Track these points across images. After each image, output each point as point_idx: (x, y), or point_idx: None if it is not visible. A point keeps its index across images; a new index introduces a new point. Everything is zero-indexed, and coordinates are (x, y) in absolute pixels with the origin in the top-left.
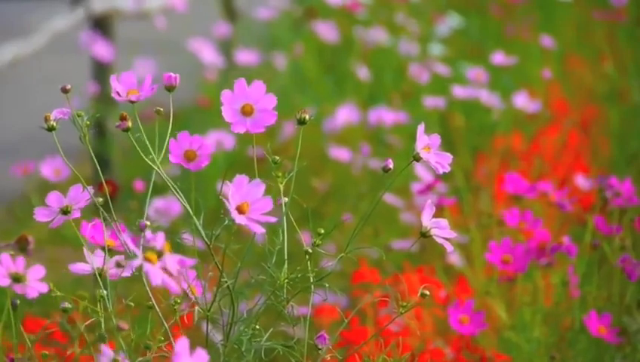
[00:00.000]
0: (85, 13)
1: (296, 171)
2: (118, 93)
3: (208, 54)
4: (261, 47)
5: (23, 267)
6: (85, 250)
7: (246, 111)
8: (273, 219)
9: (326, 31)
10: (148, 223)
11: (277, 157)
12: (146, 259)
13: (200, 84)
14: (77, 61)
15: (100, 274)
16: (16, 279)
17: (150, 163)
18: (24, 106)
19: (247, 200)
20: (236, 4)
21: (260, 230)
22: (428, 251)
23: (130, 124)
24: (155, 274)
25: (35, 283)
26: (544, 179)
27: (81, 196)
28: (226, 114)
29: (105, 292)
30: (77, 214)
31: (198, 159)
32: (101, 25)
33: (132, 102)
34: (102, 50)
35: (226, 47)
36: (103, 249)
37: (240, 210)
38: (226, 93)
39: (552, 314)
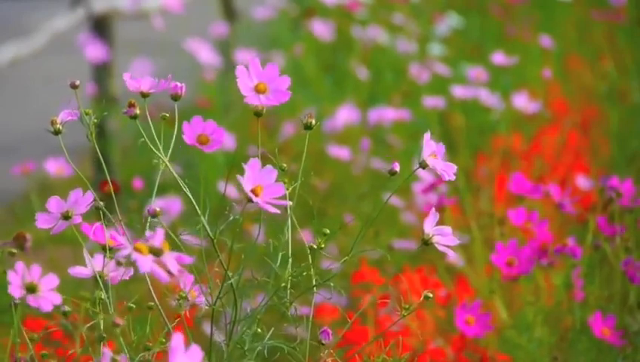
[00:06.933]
0: (85, 13)
1: (298, 172)
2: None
3: (205, 54)
4: (260, 47)
5: (38, 276)
6: (85, 253)
7: (260, 90)
8: (286, 203)
9: (323, 30)
10: (158, 209)
11: (284, 165)
12: (136, 249)
13: (199, 84)
14: (77, 61)
15: (100, 277)
16: (30, 289)
17: (162, 157)
18: (24, 106)
19: (261, 184)
20: (235, 4)
21: (274, 211)
22: (428, 251)
23: (138, 111)
24: (144, 263)
25: (49, 293)
26: (544, 179)
27: (82, 199)
28: (241, 87)
29: (104, 294)
30: (78, 220)
31: (211, 143)
32: (101, 25)
33: (144, 95)
34: (95, 51)
35: (225, 47)
36: (104, 249)
37: (254, 193)
38: (241, 69)
39: (554, 313)
